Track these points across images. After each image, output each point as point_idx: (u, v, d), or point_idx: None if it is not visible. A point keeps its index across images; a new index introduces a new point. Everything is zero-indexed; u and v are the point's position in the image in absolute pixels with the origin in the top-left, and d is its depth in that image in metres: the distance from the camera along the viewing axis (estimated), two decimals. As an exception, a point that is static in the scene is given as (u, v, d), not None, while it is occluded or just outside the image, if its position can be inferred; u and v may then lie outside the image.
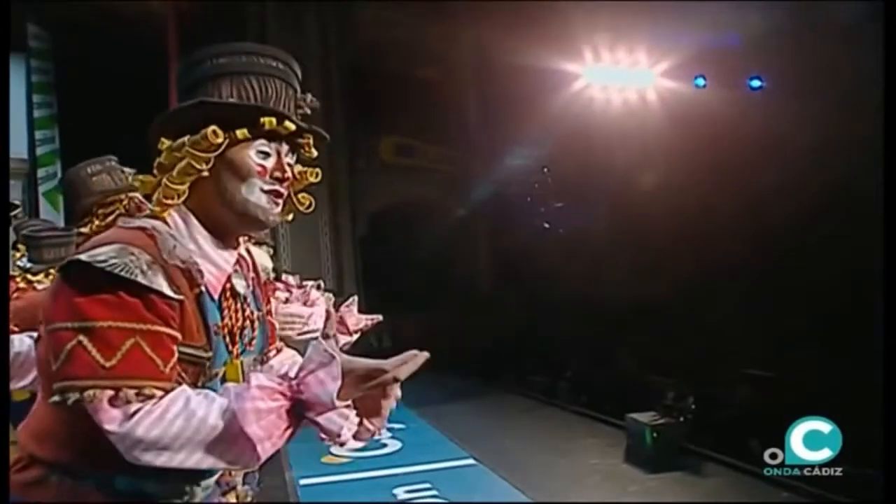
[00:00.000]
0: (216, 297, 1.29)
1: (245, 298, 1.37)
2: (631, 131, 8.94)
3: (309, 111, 1.40)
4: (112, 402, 1.07)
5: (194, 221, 1.30)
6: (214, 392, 1.16)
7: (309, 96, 1.42)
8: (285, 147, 1.34)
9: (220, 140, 1.25)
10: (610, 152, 9.46)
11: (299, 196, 1.46)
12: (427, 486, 5.30)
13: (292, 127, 1.32)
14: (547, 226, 10.80)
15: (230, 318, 1.32)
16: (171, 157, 1.28)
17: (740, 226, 7.17)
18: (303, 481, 5.53)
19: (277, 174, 1.32)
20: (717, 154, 7.22)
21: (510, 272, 12.03)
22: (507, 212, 12.25)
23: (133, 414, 1.07)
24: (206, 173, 1.26)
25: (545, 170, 10.94)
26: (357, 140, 13.70)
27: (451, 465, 5.92)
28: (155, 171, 1.31)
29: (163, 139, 1.29)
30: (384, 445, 6.43)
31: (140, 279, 1.12)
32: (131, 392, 1.08)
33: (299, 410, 1.11)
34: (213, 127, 1.24)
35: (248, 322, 1.37)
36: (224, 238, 1.33)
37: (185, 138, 1.26)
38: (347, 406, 1.13)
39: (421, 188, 13.62)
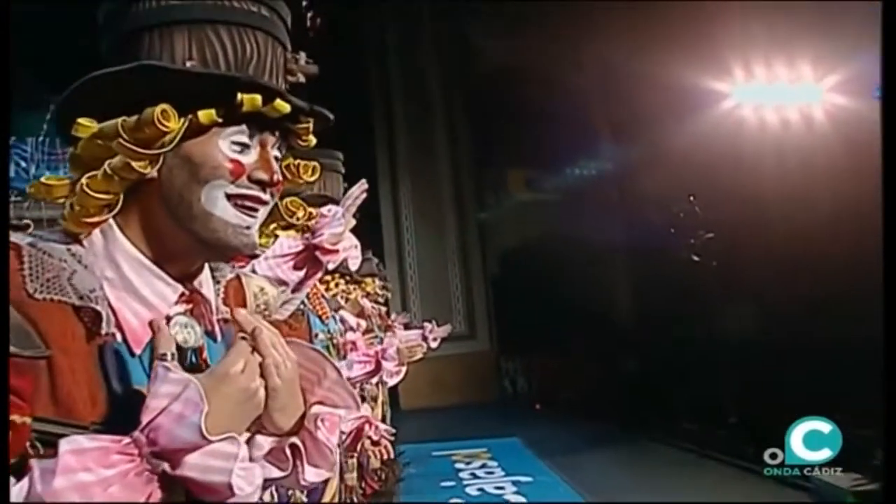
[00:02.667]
0: (138, 350, 0.88)
1: (197, 353, 0.95)
2: (790, 154, 8.21)
3: (303, 79, 1.03)
4: None
5: (119, 235, 0.91)
6: None
7: (303, 56, 1.03)
8: (271, 137, 0.96)
9: (173, 126, 0.86)
10: (765, 178, 8.75)
11: (287, 203, 1.14)
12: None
13: (286, 108, 0.93)
14: (696, 258, 10.11)
15: None
16: (94, 148, 0.88)
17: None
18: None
19: (260, 175, 0.93)
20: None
21: (655, 309, 11.43)
22: (650, 244, 11.67)
23: None
24: (152, 174, 0.88)
25: (691, 198, 10.30)
26: (485, 174, 13.60)
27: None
28: (67, 170, 0.92)
29: (81, 121, 0.87)
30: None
31: None
32: None
33: (156, 466, 0.74)
34: (163, 106, 0.85)
35: None
36: (170, 263, 0.93)
37: (119, 121, 0.86)
38: (230, 439, 0.76)
39: (553, 222, 13.27)
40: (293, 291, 1.87)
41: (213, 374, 0.81)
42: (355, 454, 2.81)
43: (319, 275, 2.06)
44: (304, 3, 11.80)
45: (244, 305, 1.04)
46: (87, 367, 0.82)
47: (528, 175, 13.78)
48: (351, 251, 2.19)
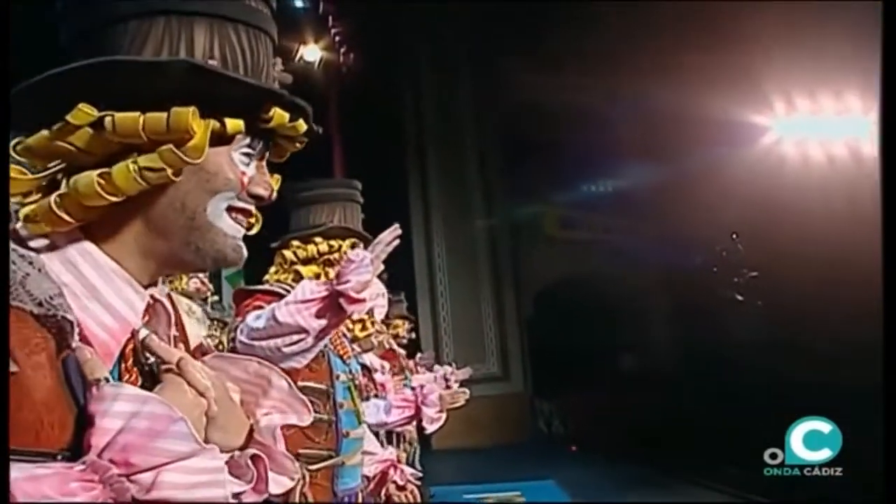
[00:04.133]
0: (109, 365, 0.80)
1: (158, 368, 0.86)
2: (836, 191, 8.01)
3: (278, 86, 0.95)
4: None
5: (80, 237, 0.82)
6: None
7: (279, 62, 0.97)
8: (265, 150, 0.92)
9: (200, 132, 0.81)
10: (810, 215, 8.55)
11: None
12: None
13: (303, 127, 0.92)
14: (741, 298, 9.91)
15: None
16: (94, 141, 0.79)
17: None
18: None
19: (259, 190, 0.90)
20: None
21: (697, 350, 11.18)
22: (691, 284, 11.47)
23: None
24: (174, 178, 0.82)
25: (734, 236, 10.14)
26: (518, 214, 13.58)
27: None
28: (29, 156, 0.82)
29: (82, 107, 0.78)
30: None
31: None
32: None
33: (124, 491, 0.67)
34: (193, 109, 0.80)
35: None
36: (137, 270, 0.85)
37: (139, 117, 0.79)
38: (212, 450, 0.74)
39: (589, 262, 13.14)
40: (315, 339, 1.76)
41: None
42: (380, 499, 2.70)
43: (342, 324, 2.01)
44: (336, 39, 12.06)
45: (179, 323, 0.97)
46: (52, 385, 0.72)
47: (562, 213, 13.70)
48: (378, 300, 2.16)
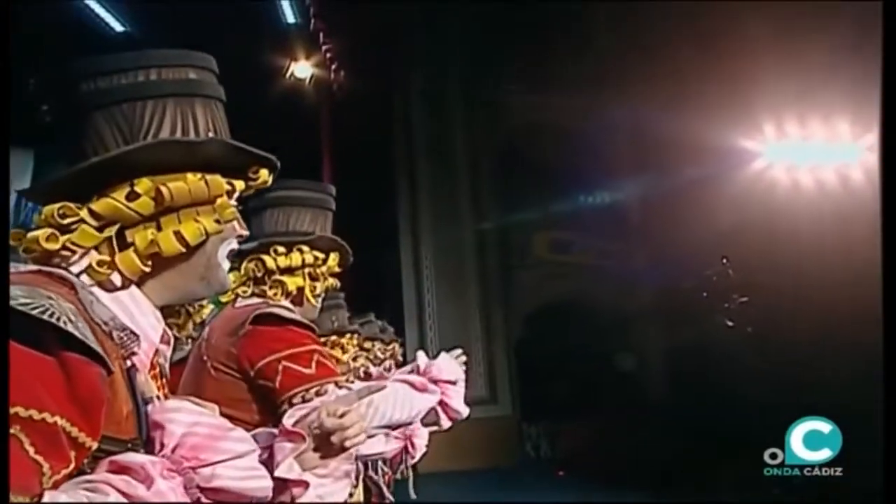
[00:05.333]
0: (143, 375, 1.02)
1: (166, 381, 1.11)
2: (826, 216, 8.06)
3: None
4: None
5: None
6: None
7: None
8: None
9: (226, 195, 1.09)
10: (801, 240, 8.61)
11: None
12: None
13: (269, 180, 1.15)
14: (731, 324, 9.92)
15: None
16: (149, 206, 1.01)
17: None
18: None
19: (244, 232, 1.16)
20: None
21: (688, 375, 11.17)
22: (681, 309, 11.48)
23: None
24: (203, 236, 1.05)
25: (724, 260, 10.17)
26: (508, 236, 13.57)
27: None
28: (92, 221, 0.99)
29: (146, 179, 1.01)
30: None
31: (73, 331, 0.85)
32: None
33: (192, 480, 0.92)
34: (220, 178, 1.07)
35: None
36: (157, 300, 1.07)
37: (186, 186, 1.02)
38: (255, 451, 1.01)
39: (580, 286, 13.14)
40: None
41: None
42: None
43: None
44: (327, 56, 12.11)
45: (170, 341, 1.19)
46: (125, 387, 0.94)
47: (552, 237, 13.70)
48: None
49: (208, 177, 1.04)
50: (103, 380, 0.86)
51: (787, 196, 8.61)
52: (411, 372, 2.11)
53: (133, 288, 1.02)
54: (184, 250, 1.02)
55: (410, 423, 2.18)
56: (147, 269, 1.01)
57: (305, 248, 2.04)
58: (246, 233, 1.15)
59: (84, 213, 0.98)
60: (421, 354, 2.20)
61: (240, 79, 1.21)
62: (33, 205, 1.02)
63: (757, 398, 8.81)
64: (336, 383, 1.73)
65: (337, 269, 2.12)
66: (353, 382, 3.41)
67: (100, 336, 0.90)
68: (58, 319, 0.81)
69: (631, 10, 10.57)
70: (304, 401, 1.64)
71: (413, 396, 1.92)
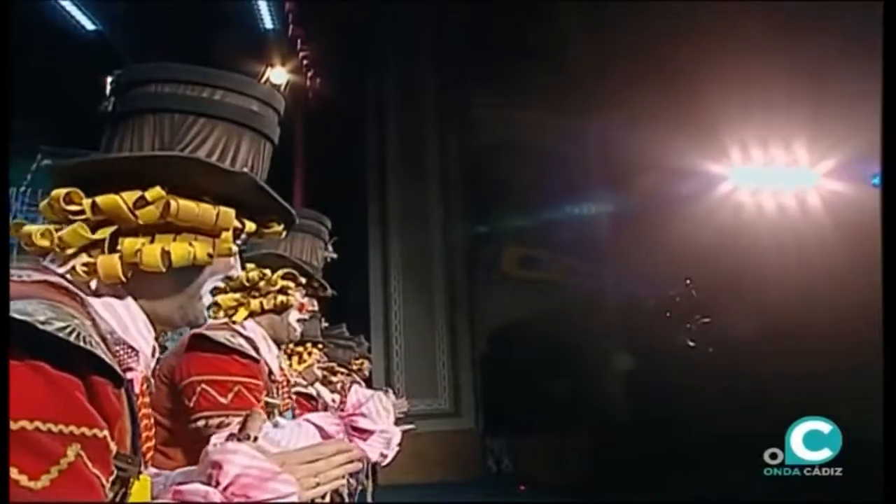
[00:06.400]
0: (136, 388, 1.01)
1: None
2: (787, 239, 8.29)
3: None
4: None
5: (119, 287, 1.01)
6: None
7: None
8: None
9: (231, 233, 1.06)
10: (763, 263, 8.82)
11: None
12: None
13: (282, 233, 1.17)
14: (692, 344, 10.09)
15: (146, 421, 1.05)
16: (153, 216, 0.98)
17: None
18: None
19: (234, 273, 1.12)
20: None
21: (650, 396, 11.29)
22: (645, 329, 11.63)
23: None
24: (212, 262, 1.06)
25: (687, 281, 10.36)
26: (478, 251, 13.64)
27: None
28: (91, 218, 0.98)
29: (159, 189, 0.98)
30: None
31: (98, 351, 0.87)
32: None
33: None
34: (232, 213, 1.05)
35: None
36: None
37: (196, 207, 1.00)
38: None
39: (547, 302, 13.23)
40: None
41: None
42: None
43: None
44: (304, 63, 12.14)
45: None
46: (124, 401, 0.91)
47: (521, 253, 13.82)
48: None
49: (223, 208, 1.01)
50: (117, 396, 0.87)
51: (751, 219, 8.81)
52: (339, 409, 2.19)
53: (129, 300, 1.01)
54: (163, 269, 0.98)
55: None
56: (124, 279, 0.97)
57: (250, 266, 2.06)
58: (237, 273, 1.12)
59: (86, 204, 0.96)
60: (354, 391, 2.21)
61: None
62: (29, 200, 1.03)
63: (719, 416, 8.92)
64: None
65: (285, 283, 2.11)
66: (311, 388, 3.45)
67: (109, 350, 0.89)
68: (85, 341, 0.80)
69: (601, 34, 10.78)
70: (206, 426, 1.80)
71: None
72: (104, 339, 0.90)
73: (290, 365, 2.44)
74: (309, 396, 3.26)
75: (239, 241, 1.09)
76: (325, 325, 4.13)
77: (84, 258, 0.96)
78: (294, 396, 2.50)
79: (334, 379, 4.41)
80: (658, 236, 10.29)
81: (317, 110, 12.45)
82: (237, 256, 1.10)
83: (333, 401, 3.95)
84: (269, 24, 11.37)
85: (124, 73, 1.05)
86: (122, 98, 1.04)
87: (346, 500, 3.36)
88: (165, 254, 0.98)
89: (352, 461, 1.14)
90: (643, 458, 10.00)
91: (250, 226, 1.08)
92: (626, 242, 12.05)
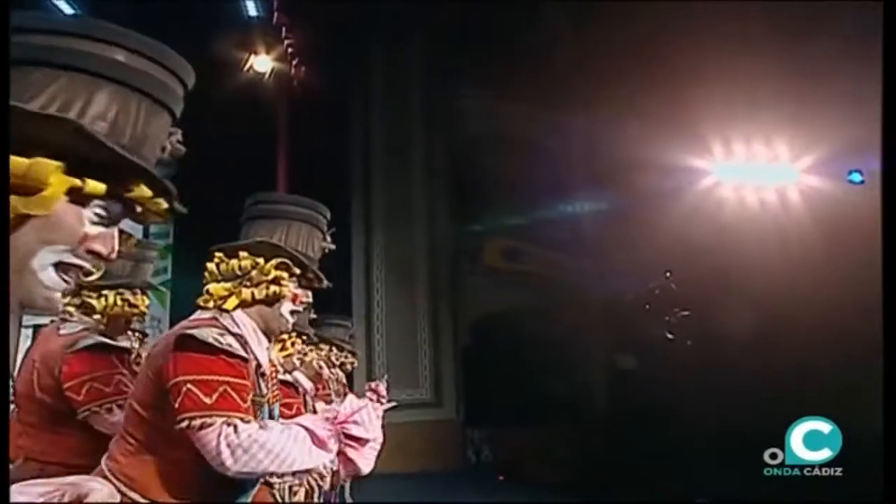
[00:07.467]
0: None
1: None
2: (768, 234, 8.41)
3: (169, 157, 1.03)
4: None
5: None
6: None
7: (178, 134, 1.04)
8: (123, 213, 0.98)
9: (56, 190, 0.88)
10: (743, 257, 8.94)
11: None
12: None
13: (163, 206, 0.99)
14: (671, 336, 10.21)
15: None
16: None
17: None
18: None
19: (99, 248, 0.95)
20: (872, 263, 6.50)
21: (629, 388, 11.41)
22: (625, 321, 11.75)
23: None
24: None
25: (667, 274, 10.46)
26: (461, 242, 13.68)
27: None
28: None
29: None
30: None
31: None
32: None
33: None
34: (58, 164, 0.87)
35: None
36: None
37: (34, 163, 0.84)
38: None
39: (529, 295, 13.32)
40: None
41: None
42: None
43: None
44: (288, 51, 12.08)
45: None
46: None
47: (505, 245, 13.87)
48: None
49: (40, 159, 0.86)
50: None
51: (734, 213, 8.93)
52: (329, 414, 2.11)
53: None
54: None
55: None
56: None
57: (243, 254, 2.07)
58: (101, 250, 0.95)
59: None
60: (349, 400, 2.12)
61: (198, 70, 1.05)
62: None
63: (700, 408, 9.02)
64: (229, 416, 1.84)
65: (278, 273, 2.09)
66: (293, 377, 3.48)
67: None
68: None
69: (588, 29, 10.82)
70: (189, 426, 1.78)
71: (302, 450, 1.91)
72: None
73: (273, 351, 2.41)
74: (288, 384, 3.29)
75: (100, 212, 0.94)
76: (312, 316, 4.15)
77: None
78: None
79: (280, 354, 4.36)
80: (642, 229, 10.39)
81: (301, 99, 12.40)
82: (115, 234, 0.97)
83: (315, 388, 3.98)
84: (253, 11, 11.30)
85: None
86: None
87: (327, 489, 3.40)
88: None
89: None
90: (624, 450, 10.13)
91: (94, 185, 0.90)
92: (609, 235, 12.14)
